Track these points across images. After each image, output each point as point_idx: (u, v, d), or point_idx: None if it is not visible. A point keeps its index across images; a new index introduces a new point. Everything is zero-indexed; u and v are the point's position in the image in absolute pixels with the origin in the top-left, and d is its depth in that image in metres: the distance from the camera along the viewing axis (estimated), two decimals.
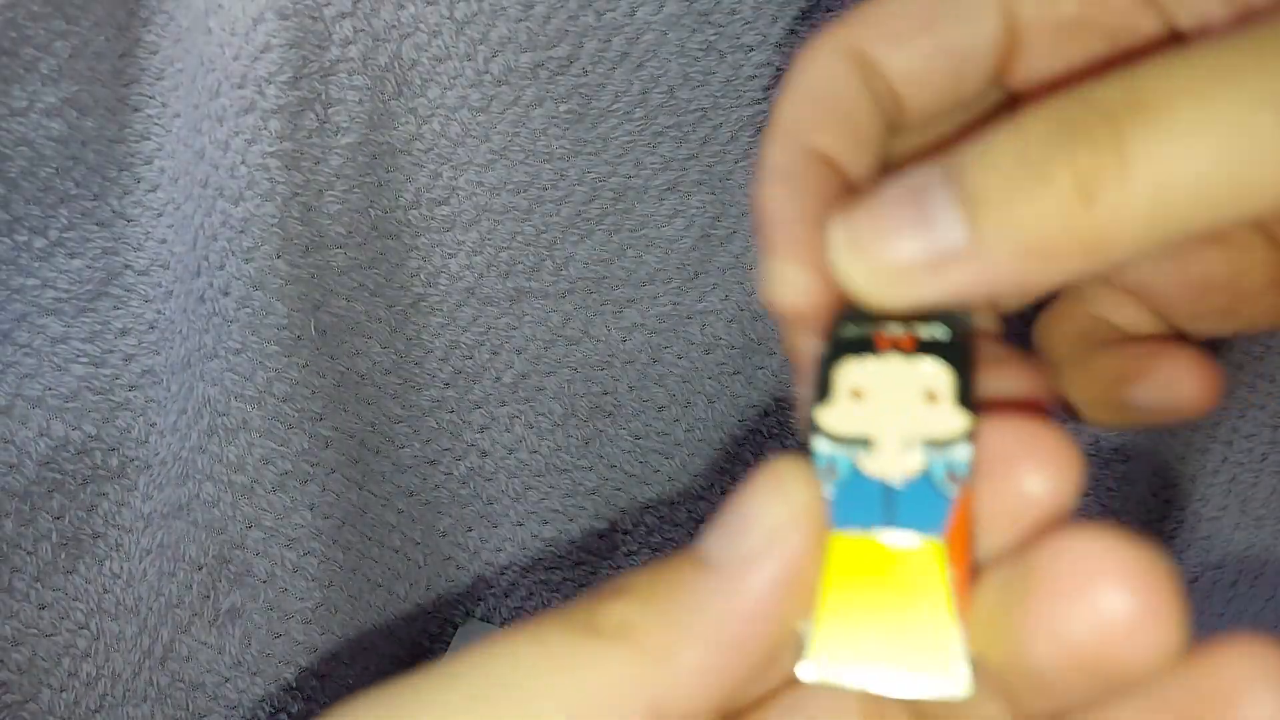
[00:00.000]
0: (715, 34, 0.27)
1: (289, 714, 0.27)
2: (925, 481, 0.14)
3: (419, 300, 0.27)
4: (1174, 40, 0.17)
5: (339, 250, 0.26)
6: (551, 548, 0.29)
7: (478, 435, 0.28)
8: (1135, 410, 0.19)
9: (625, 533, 0.30)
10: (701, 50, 0.27)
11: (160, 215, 0.26)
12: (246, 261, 0.25)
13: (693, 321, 0.29)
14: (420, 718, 0.13)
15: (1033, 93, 0.18)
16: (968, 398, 0.15)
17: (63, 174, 0.26)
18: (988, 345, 0.17)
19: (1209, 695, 0.13)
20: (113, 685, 0.27)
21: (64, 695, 0.26)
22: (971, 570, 0.14)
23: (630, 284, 0.28)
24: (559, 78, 0.26)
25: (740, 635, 0.14)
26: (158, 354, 0.26)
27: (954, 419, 0.15)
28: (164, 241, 0.26)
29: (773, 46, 0.27)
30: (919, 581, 0.14)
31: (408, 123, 0.26)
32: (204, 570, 0.26)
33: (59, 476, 0.26)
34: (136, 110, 0.27)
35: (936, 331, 0.15)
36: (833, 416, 0.15)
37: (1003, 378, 0.16)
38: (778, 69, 0.27)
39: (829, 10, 0.27)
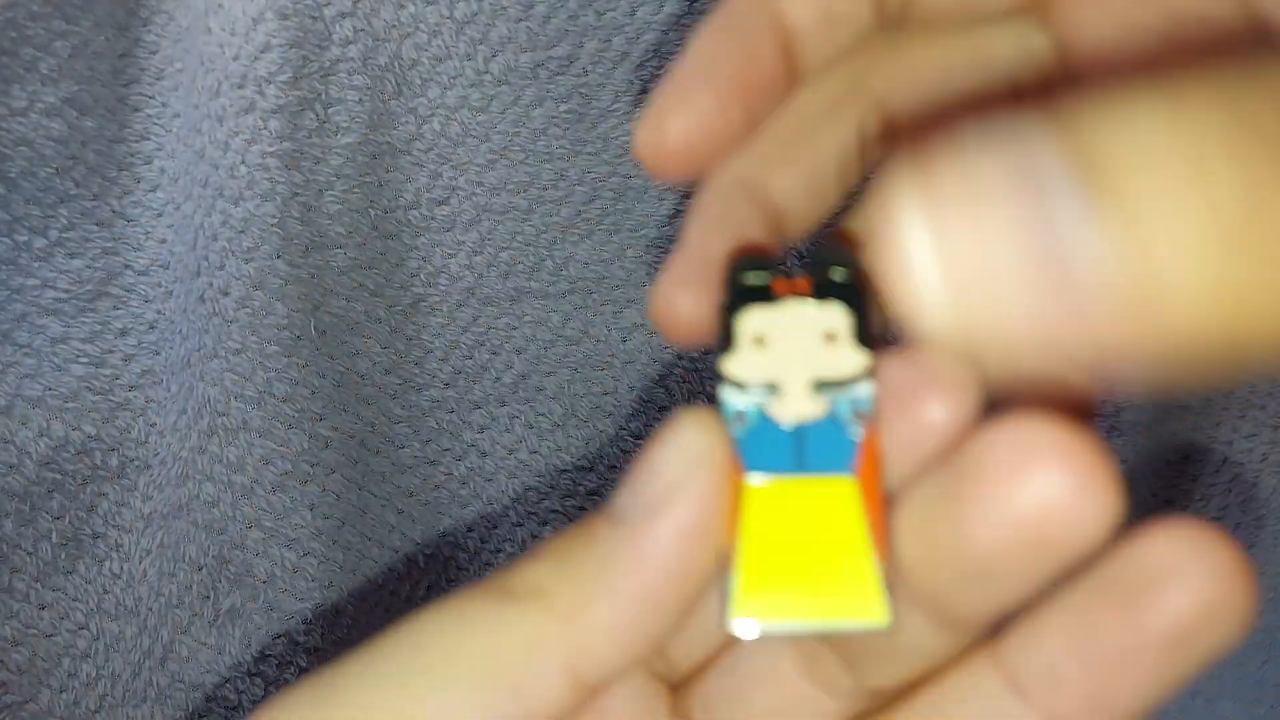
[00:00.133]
0: None
1: None
2: (832, 422, 0.15)
3: (419, 300, 0.27)
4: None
5: (339, 250, 0.26)
6: None
7: (478, 436, 0.28)
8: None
9: None
10: None
11: (160, 215, 0.26)
12: (246, 261, 0.25)
13: None
14: (344, 699, 0.13)
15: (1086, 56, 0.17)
16: (866, 336, 0.15)
17: (63, 174, 0.26)
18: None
19: (1138, 578, 0.13)
20: (112, 686, 0.27)
21: (63, 696, 0.26)
22: (883, 502, 0.15)
23: (631, 284, 0.28)
24: (559, 77, 0.26)
25: (651, 587, 0.14)
26: (158, 354, 0.26)
27: (854, 358, 0.15)
28: (164, 241, 0.26)
29: None
30: (834, 520, 0.14)
31: (408, 123, 0.26)
32: (204, 571, 0.26)
33: (59, 477, 0.26)
34: (136, 110, 0.27)
35: (831, 273, 0.15)
36: (737, 365, 0.15)
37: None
38: None
39: None
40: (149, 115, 0.27)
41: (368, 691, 0.14)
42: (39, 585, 0.26)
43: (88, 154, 0.26)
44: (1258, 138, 0.10)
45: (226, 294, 0.26)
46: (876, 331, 0.15)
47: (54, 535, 0.26)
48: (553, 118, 0.26)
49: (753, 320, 0.15)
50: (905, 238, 0.11)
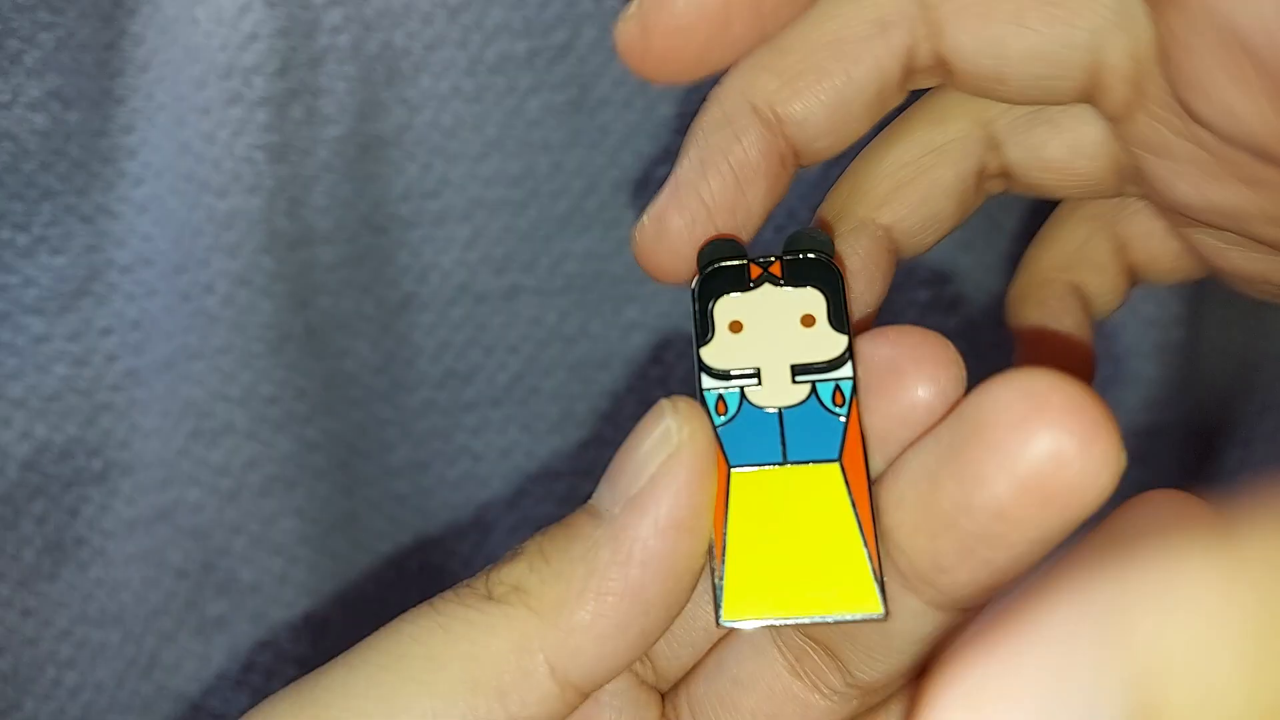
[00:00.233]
0: None
1: None
2: (814, 406, 0.15)
3: (409, 298, 0.26)
4: None
5: (327, 246, 0.26)
6: None
7: (471, 438, 0.27)
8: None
9: None
10: None
11: (144, 210, 0.26)
12: (232, 257, 0.25)
13: None
14: (327, 707, 0.13)
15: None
16: (843, 317, 0.15)
17: (46, 169, 0.26)
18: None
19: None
20: (97, 695, 0.26)
21: (48, 704, 0.26)
22: (869, 485, 0.14)
23: (630, 280, 0.27)
24: (555, 66, 0.26)
25: (635, 584, 0.13)
26: (141, 354, 0.26)
27: (833, 340, 0.15)
28: (148, 238, 0.26)
29: None
30: (822, 507, 0.14)
31: (399, 113, 0.25)
32: (189, 577, 0.26)
33: (41, 480, 0.26)
34: (121, 103, 0.26)
35: (805, 256, 0.15)
36: (716, 352, 0.15)
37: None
38: None
39: None
40: (134, 108, 0.26)
41: (350, 699, 0.13)
42: (23, 590, 0.26)
43: (72, 148, 0.26)
44: None
45: (211, 291, 0.25)
46: (853, 313, 0.15)
47: (38, 540, 0.26)
48: (549, 107, 0.26)
49: (729, 307, 0.15)
50: None
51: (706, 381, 0.15)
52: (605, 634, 0.13)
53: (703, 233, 0.16)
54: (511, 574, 0.14)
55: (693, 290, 0.16)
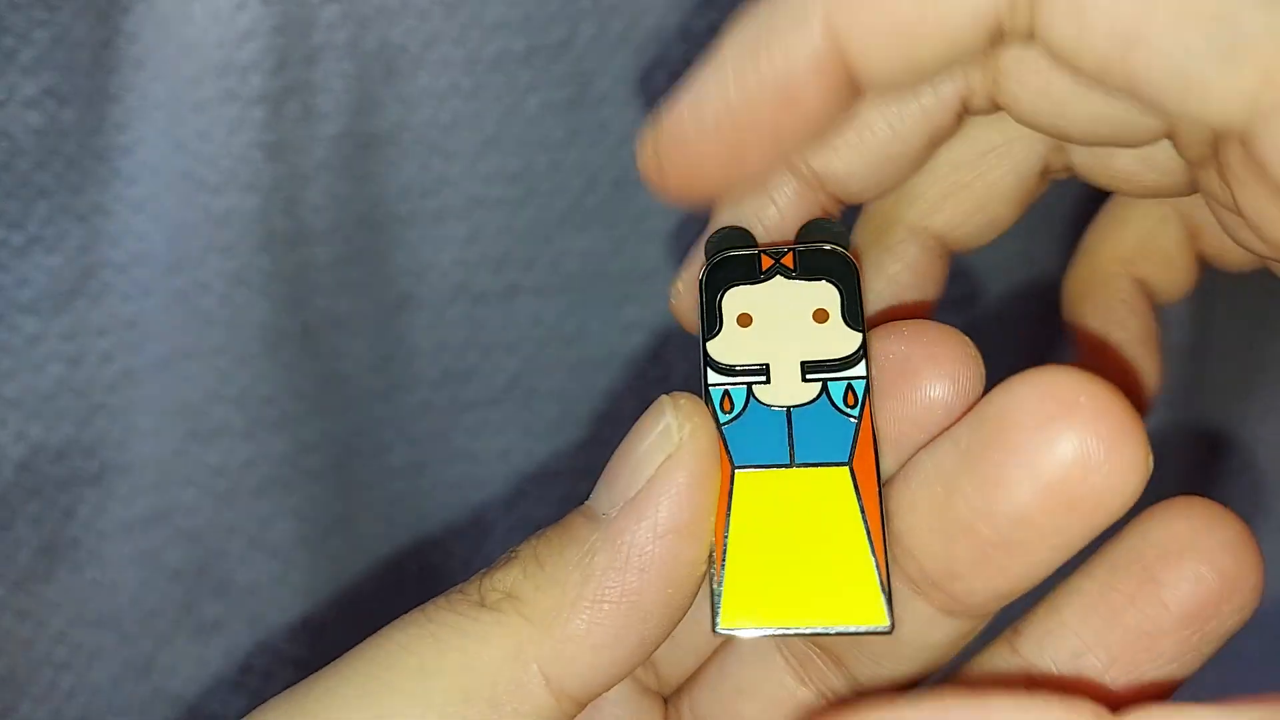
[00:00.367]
0: (719, 16, 0.26)
1: None
2: (825, 405, 0.14)
3: (407, 297, 0.26)
4: None
5: (323, 244, 0.25)
6: None
7: (469, 440, 0.27)
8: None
9: None
10: (706, 33, 0.26)
11: (140, 209, 0.26)
12: (228, 256, 0.25)
13: None
14: (315, 717, 0.13)
15: None
16: (858, 313, 0.14)
17: (41, 167, 0.26)
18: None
19: (1154, 557, 0.13)
20: (93, 697, 0.26)
21: (44, 706, 0.26)
22: (879, 489, 0.14)
23: (630, 279, 0.27)
24: (554, 63, 0.25)
25: (632, 591, 0.13)
26: (137, 353, 0.26)
27: (846, 337, 0.14)
28: (143, 236, 0.26)
29: None
30: (829, 512, 0.14)
31: (396, 110, 0.25)
32: (185, 580, 0.26)
33: (36, 481, 0.25)
34: (116, 100, 0.26)
35: (819, 248, 0.15)
36: (723, 346, 0.14)
37: (891, 285, 0.16)
38: None
39: None
40: (129, 106, 0.26)
41: (340, 710, 0.13)
42: (17, 593, 0.26)
43: (66, 146, 0.26)
44: None
45: (207, 290, 0.25)
46: (868, 308, 0.15)
47: (34, 541, 0.26)
48: (547, 105, 0.26)
49: (738, 299, 0.15)
50: None
51: (712, 377, 0.14)
52: (602, 643, 0.13)
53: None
54: (505, 580, 0.13)
55: (700, 280, 0.15)
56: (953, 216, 0.17)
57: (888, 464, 0.14)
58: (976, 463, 0.13)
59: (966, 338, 0.14)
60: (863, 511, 0.14)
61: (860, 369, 0.14)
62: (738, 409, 0.14)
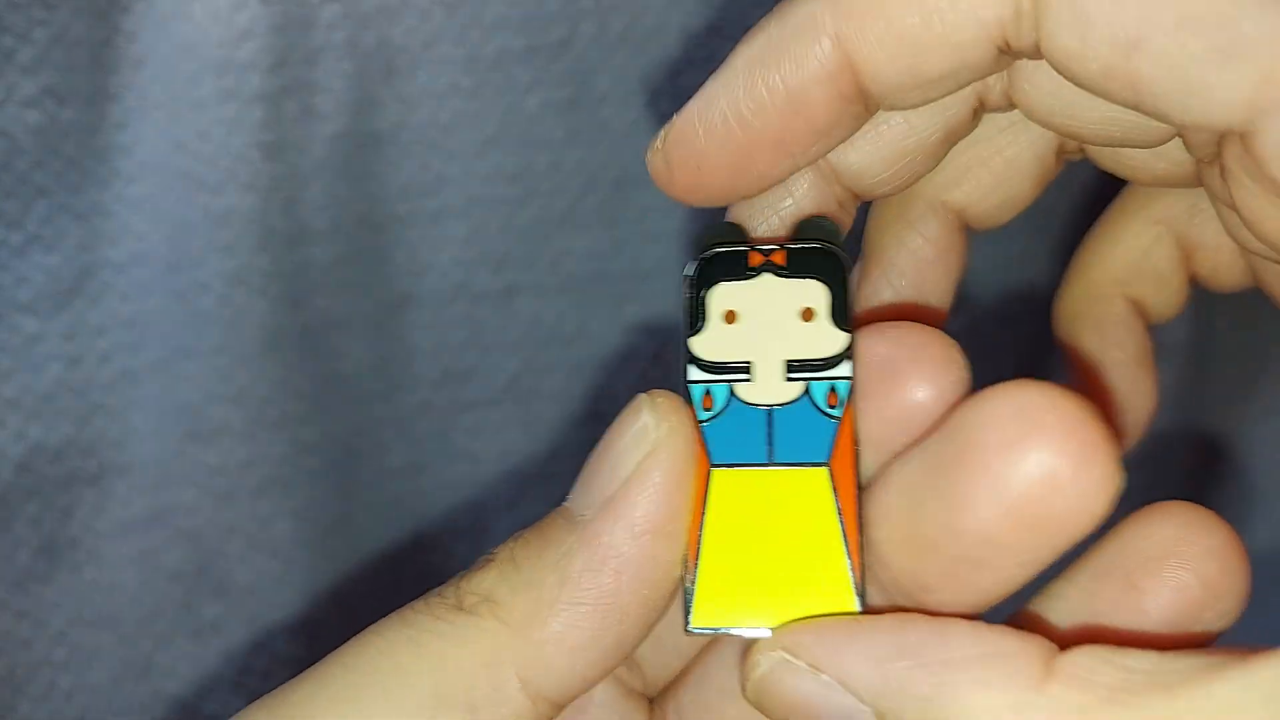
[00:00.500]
0: (719, 16, 0.26)
1: None
2: (806, 405, 0.14)
3: (406, 296, 0.26)
4: None
5: (323, 244, 0.25)
6: None
7: (468, 440, 0.27)
8: None
9: None
10: (705, 32, 0.26)
11: (139, 208, 0.26)
12: (227, 256, 0.25)
13: None
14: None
15: None
16: (845, 312, 0.14)
17: (40, 166, 0.26)
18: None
19: (1135, 563, 0.13)
20: (92, 698, 0.26)
21: (43, 707, 0.26)
22: (858, 492, 0.14)
23: (630, 279, 0.27)
24: (554, 62, 0.25)
25: (609, 593, 0.13)
26: (136, 353, 0.26)
27: (832, 336, 0.14)
28: (143, 236, 0.26)
29: None
30: (805, 513, 0.14)
31: (395, 110, 0.25)
32: (184, 580, 0.26)
33: (35, 481, 0.25)
34: (115, 100, 0.26)
35: (808, 247, 0.14)
36: (706, 343, 0.14)
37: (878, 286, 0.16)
38: None
39: None
40: (128, 105, 0.26)
41: (318, 713, 0.13)
42: (16, 593, 0.25)
43: (66, 145, 0.26)
44: None
45: (206, 290, 0.25)
46: (855, 308, 0.15)
47: (32, 541, 0.26)
48: (547, 104, 0.26)
49: (725, 295, 0.15)
50: None
51: (693, 373, 0.14)
52: (579, 645, 0.13)
53: None
54: (482, 583, 0.13)
55: (687, 275, 0.15)
56: (972, 191, 0.17)
57: (868, 466, 0.14)
58: (942, 480, 0.13)
59: (952, 340, 0.14)
60: (839, 513, 0.14)
61: (845, 369, 0.14)
62: (718, 407, 0.14)
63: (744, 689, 0.13)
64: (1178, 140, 0.15)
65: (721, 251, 0.15)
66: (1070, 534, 0.12)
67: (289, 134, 0.25)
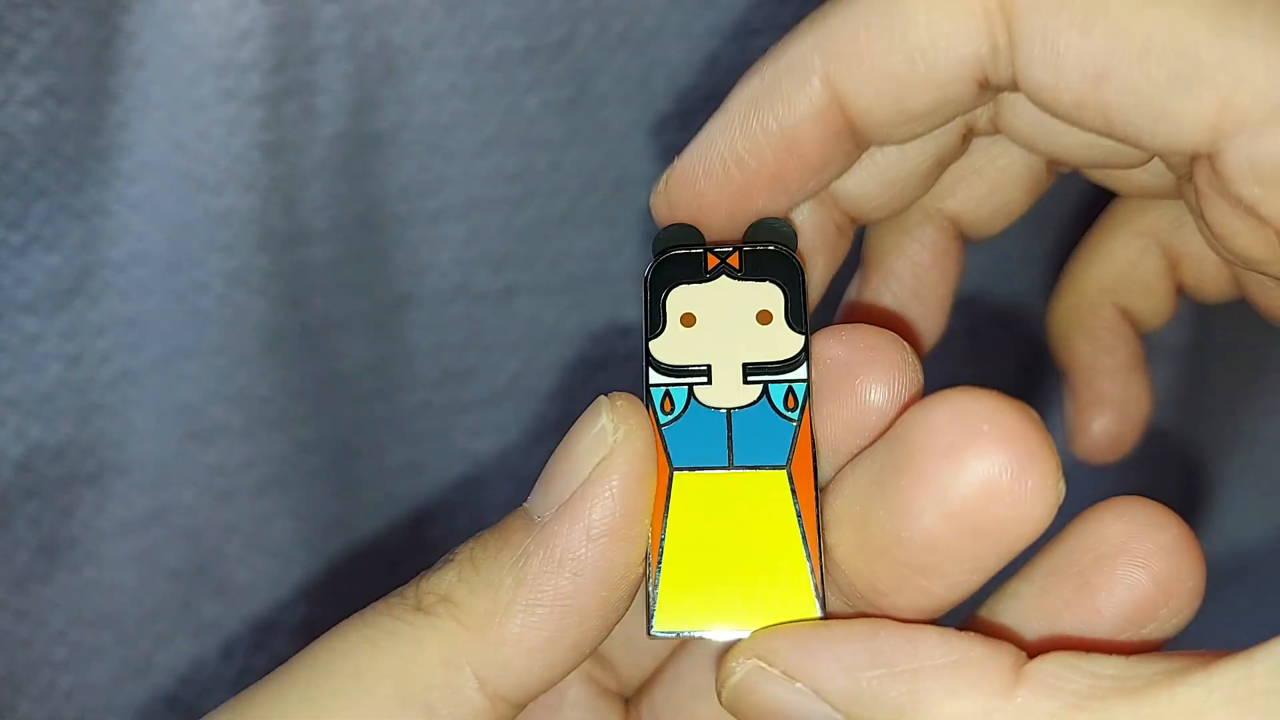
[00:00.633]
0: (720, 16, 0.26)
1: None
2: (765, 408, 0.14)
3: (406, 297, 0.26)
4: None
5: (322, 244, 0.25)
6: None
7: (468, 440, 0.27)
8: None
9: None
10: (706, 33, 0.26)
11: (139, 208, 0.26)
12: (227, 256, 0.25)
13: None
14: None
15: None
16: (801, 315, 0.14)
17: (40, 166, 0.26)
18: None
19: (1089, 560, 0.13)
20: (92, 697, 0.26)
21: (43, 707, 0.26)
22: (816, 494, 0.14)
23: (630, 279, 0.27)
24: (554, 62, 0.25)
25: (566, 595, 0.13)
26: (136, 353, 0.26)
27: (789, 339, 0.14)
28: (143, 236, 0.26)
29: (780, 30, 0.26)
30: (766, 516, 0.14)
31: (395, 110, 0.25)
32: (183, 579, 0.26)
33: (35, 480, 0.25)
34: (116, 100, 0.26)
35: (765, 249, 0.15)
36: (665, 346, 0.15)
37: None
38: None
39: None
40: (128, 105, 0.26)
41: (280, 716, 0.13)
42: (16, 592, 0.26)
43: (66, 145, 0.26)
44: None
45: (206, 290, 0.25)
46: (811, 311, 0.15)
47: (31, 541, 0.26)
48: (547, 104, 0.26)
49: (682, 298, 0.15)
50: None
51: (654, 377, 0.15)
52: (536, 646, 0.13)
53: None
54: (441, 583, 0.14)
55: (645, 278, 0.15)
56: (966, 200, 0.17)
57: (824, 468, 0.14)
58: (887, 488, 0.13)
59: (905, 343, 0.14)
60: (799, 516, 0.14)
61: (801, 372, 0.14)
62: (678, 410, 0.14)
63: (719, 696, 0.13)
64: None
65: (678, 254, 0.15)
66: (1014, 541, 0.13)
67: (289, 134, 0.25)
